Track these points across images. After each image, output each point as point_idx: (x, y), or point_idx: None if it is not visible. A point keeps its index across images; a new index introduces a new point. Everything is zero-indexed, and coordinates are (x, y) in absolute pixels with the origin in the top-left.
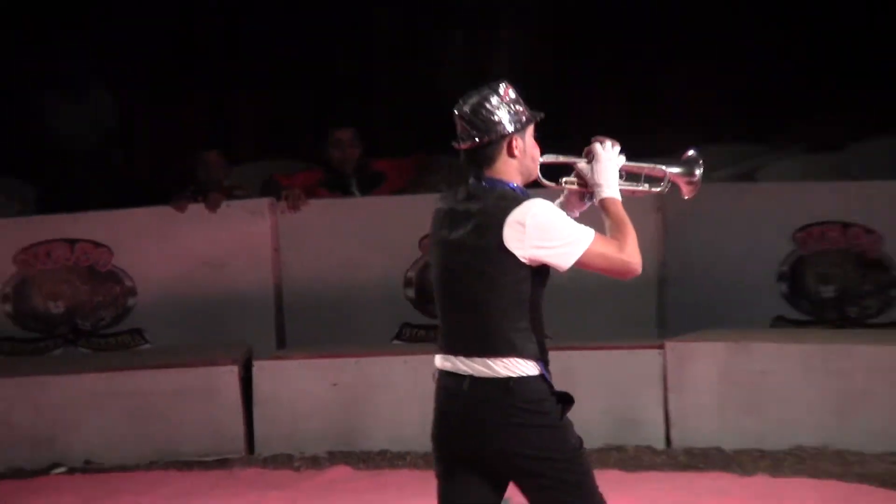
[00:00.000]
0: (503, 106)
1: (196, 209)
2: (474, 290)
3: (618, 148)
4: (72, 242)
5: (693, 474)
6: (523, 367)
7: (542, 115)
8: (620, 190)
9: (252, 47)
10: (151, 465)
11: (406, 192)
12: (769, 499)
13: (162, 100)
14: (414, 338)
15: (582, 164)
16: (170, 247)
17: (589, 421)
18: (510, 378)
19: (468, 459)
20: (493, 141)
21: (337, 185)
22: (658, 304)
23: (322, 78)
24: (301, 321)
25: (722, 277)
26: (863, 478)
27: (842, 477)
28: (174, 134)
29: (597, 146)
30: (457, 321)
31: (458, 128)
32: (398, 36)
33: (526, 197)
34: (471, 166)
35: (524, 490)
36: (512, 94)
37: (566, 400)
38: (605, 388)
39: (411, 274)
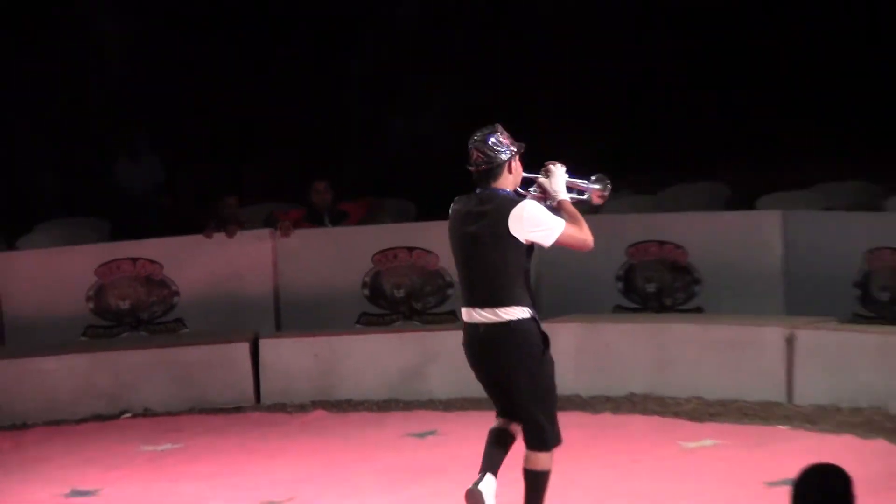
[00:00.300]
0: (503, 140)
1: (219, 237)
2: (491, 263)
3: (563, 168)
4: (134, 260)
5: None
6: (521, 313)
7: (524, 145)
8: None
9: (258, 123)
10: (189, 411)
11: (362, 223)
12: (612, 429)
13: (195, 161)
14: (369, 322)
15: (542, 178)
16: (202, 262)
17: None
18: (511, 321)
19: (490, 377)
20: (500, 164)
21: (315, 220)
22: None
23: (307, 146)
24: (292, 312)
25: (580, 277)
26: (677, 414)
27: (662, 414)
28: (204, 184)
29: (551, 166)
30: (478, 285)
31: (474, 156)
32: (361, 118)
33: (521, 199)
34: (481, 181)
35: (513, 395)
36: (504, 132)
37: (546, 338)
38: None
39: (367, 279)
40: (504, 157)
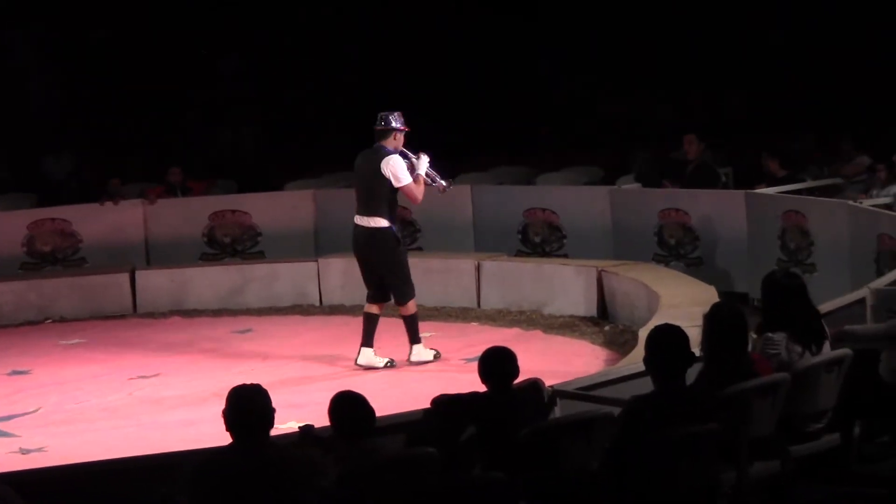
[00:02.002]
0: (394, 118)
1: (109, 205)
2: (370, 188)
3: (427, 159)
4: (53, 219)
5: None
6: (382, 223)
7: (407, 130)
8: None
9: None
10: (90, 318)
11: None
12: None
13: (95, 155)
14: (208, 259)
15: (414, 159)
16: (98, 221)
17: None
18: (376, 227)
19: (363, 262)
20: (391, 130)
21: (171, 193)
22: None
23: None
24: (157, 253)
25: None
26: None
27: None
28: (100, 172)
29: (422, 154)
30: (360, 201)
31: (378, 119)
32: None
33: (391, 153)
34: (377, 138)
35: (380, 272)
36: (397, 114)
37: (399, 239)
38: None
39: (205, 231)
40: (393, 125)
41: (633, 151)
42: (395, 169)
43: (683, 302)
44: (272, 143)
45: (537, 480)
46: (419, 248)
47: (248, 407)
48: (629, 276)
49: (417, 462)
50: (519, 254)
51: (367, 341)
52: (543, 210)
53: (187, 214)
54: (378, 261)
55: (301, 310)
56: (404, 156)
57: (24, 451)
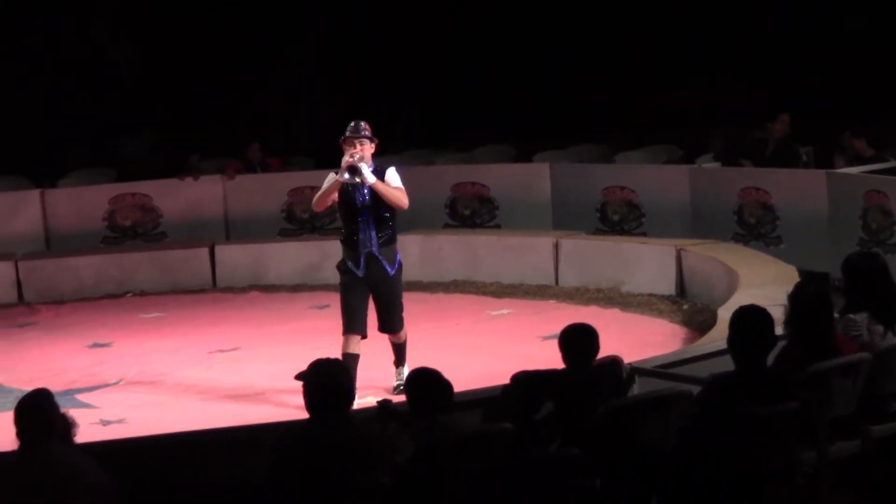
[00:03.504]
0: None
1: (188, 180)
2: None
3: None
4: (133, 194)
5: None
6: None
7: (348, 137)
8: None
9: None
10: (170, 292)
11: (281, 172)
12: (442, 303)
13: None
14: (286, 234)
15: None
16: (177, 196)
17: None
18: None
19: None
20: None
21: (250, 169)
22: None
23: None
24: (237, 227)
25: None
26: (484, 293)
27: (475, 293)
28: (179, 148)
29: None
30: None
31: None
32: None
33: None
34: None
35: None
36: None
37: (343, 261)
38: None
39: (284, 207)
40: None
41: (712, 130)
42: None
43: (763, 281)
44: (348, 121)
45: (614, 458)
46: (497, 226)
47: (329, 382)
48: (708, 254)
49: (494, 438)
50: (597, 232)
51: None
52: (622, 188)
53: (266, 190)
54: None
55: None
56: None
57: (104, 423)
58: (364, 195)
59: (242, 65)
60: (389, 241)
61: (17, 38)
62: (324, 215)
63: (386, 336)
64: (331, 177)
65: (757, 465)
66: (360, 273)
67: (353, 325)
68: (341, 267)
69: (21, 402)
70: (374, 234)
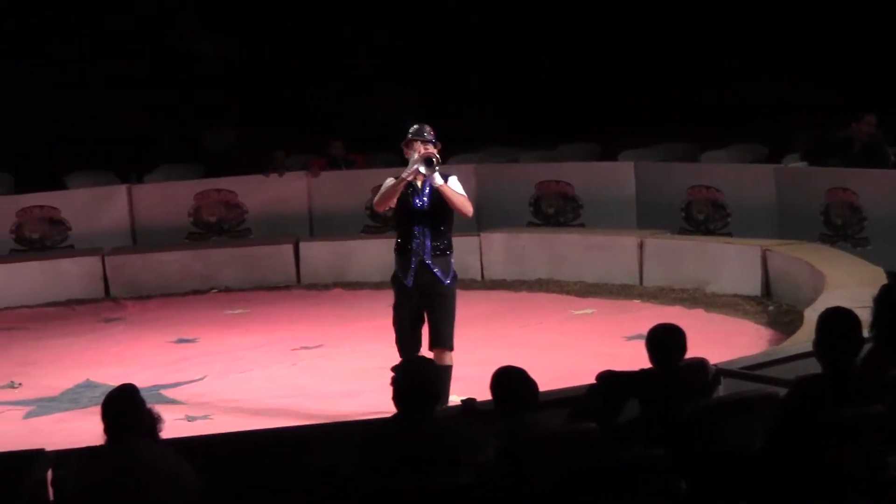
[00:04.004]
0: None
1: (273, 176)
2: None
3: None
4: (219, 190)
5: (491, 291)
6: None
7: (415, 139)
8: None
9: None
10: (254, 288)
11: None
12: (525, 301)
13: (258, 128)
14: (370, 231)
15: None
16: (262, 192)
17: None
18: None
19: None
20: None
21: (334, 166)
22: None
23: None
24: (320, 224)
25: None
26: (568, 292)
27: (558, 292)
28: (264, 144)
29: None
30: None
31: None
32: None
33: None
34: None
35: None
36: (412, 127)
37: (395, 271)
38: None
39: (368, 204)
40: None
41: (798, 130)
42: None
43: (849, 283)
44: (434, 117)
45: (699, 459)
46: (581, 225)
47: (418, 379)
48: (794, 255)
49: (579, 437)
50: (682, 231)
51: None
52: (707, 187)
53: (350, 187)
54: None
55: (462, 284)
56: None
57: (189, 419)
58: (423, 200)
59: (326, 61)
60: (445, 251)
61: (105, 33)
62: None
63: (460, 335)
64: (390, 180)
65: (843, 469)
66: (408, 282)
67: (405, 349)
68: (394, 280)
69: (109, 397)
70: (428, 242)
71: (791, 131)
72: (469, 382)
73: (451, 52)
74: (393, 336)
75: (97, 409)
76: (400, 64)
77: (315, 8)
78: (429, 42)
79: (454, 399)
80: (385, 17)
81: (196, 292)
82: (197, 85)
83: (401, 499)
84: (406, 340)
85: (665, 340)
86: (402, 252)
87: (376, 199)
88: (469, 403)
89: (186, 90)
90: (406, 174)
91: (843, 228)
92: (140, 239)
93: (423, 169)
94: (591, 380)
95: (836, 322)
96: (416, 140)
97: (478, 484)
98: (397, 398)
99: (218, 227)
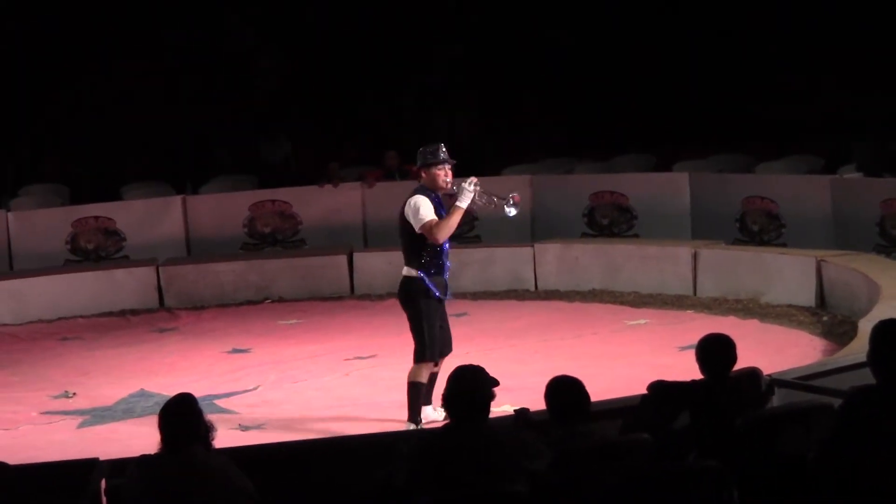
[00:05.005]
0: (422, 154)
1: (328, 187)
2: (402, 232)
3: (473, 182)
4: (273, 201)
5: (545, 301)
6: (412, 273)
7: (450, 162)
8: (481, 202)
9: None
10: (309, 298)
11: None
12: (579, 312)
13: (313, 140)
14: None
15: (456, 188)
16: (317, 203)
17: None
18: (406, 277)
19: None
20: (417, 167)
21: (389, 176)
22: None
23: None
24: (375, 234)
25: (562, 214)
26: (622, 303)
27: (612, 302)
28: (318, 155)
29: (463, 184)
30: (401, 245)
31: None
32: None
33: (415, 194)
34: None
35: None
36: (431, 149)
37: (429, 289)
38: None
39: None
40: (418, 164)
41: (854, 141)
42: (411, 210)
43: None
44: (489, 128)
45: (752, 470)
46: (635, 235)
47: (469, 389)
48: (849, 266)
49: (632, 448)
50: (736, 242)
51: (426, 399)
52: (762, 198)
53: (405, 198)
54: (406, 313)
55: (516, 294)
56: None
57: (243, 428)
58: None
59: (380, 72)
60: None
61: (162, 45)
62: (462, 222)
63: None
64: (428, 204)
65: None
66: (440, 296)
67: (435, 352)
68: (424, 293)
69: (167, 405)
70: (448, 260)
71: (849, 144)
72: (523, 392)
73: (507, 66)
74: None
75: (151, 419)
76: (459, 77)
77: (373, 20)
78: (489, 55)
79: (506, 409)
80: (446, 30)
81: (250, 303)
82: (254, 97)
83: None
84: (443, 346)
85: (715, 351)
86: (437, 269)
87: (441, 232)
88: (522, 413)
89: (243, 102)
90: (468, 199)
91: None
92: (195, 250)
93: (513, 212)
94: (644, 390)
95: (889, 334)
96: (447, 162)
97: (532, 493)
98: (449, 407)
99: (272, 238)
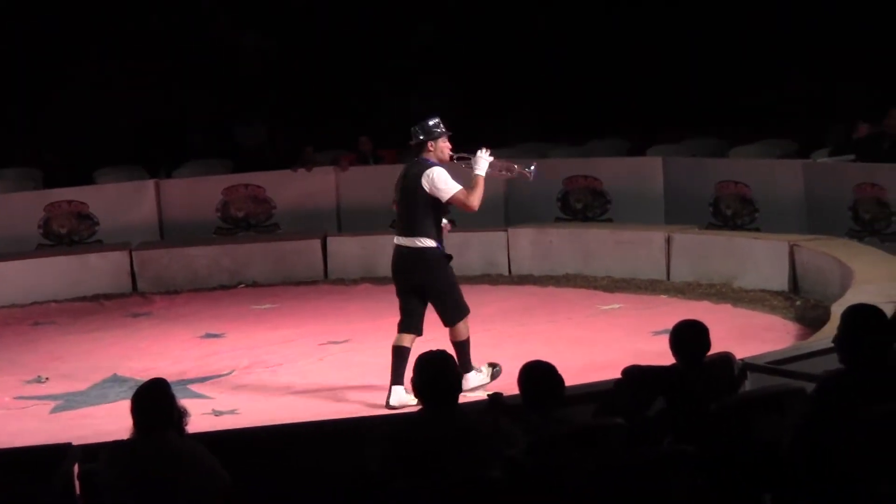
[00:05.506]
0: (426, 128)
1: (302, 172)
2: (413, 205)
3: (487, 153)
4: (246, 185)
5: (518, 286)
6: (429, 243)
7: (449, 132)
8: (497, 170)
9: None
10: (282, 283)
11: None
12: (553, 296)
13: (287, 124)
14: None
15: (473, 159)
16: (291, 187)
17: None
18: (423, 247)
19: (404, 285)
20: (419, 143)
21: (362, 161)
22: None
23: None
24: (348, 219)
25: (533, 198)
26: (595, 287)
27: (586, 287)
28: (292, 139)
29: (479, 151)
30: (402, 220)
31: (412, 134)
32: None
33: (432, 165)
34: (413, 153)
35: (430, 298)
36: (433, 122)
37: (449, 257)
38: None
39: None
40: (421, 138)
41: (827, 126)
42: (436, 182)
43: (878, 278)
44: (463, 113)
45: (726, 455)
46: (609, 220)
47: (438, 374)
48: (822, 250)
49: (606, 433)
50: (710, 226)
51: (398, 378)
52: (735, 183)
53: (379, 182)
54: (426, 284)
55: (490, 279)
56: (461, 158)
57: (216, 413)
58: None
59: (354, 56)
60: None
61: (137, 28)
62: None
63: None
64: (449, 175)
65: (872, 464)
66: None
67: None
68: (446, 259)
69: (140, 390)
70: None
71: (823, 128)
72: (498, 377)
73: (482, 50)
74: None
75: (124, 404)
76: (434, 62)
77: (349, 5)
78: (462, 40)
79: (479, 394)
80: (422, 14)
81: (224, 287)
82: (229, 79)
83: (429, 494)
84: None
85: (688, 337)
86: (441, 234)
87: (476, 200)
88: (496, 398)
89: (218, 86)
90: (484, 168)
91: (872, 223)
92: (168, 234)
93: (534, 175)
94: (618, 375)
95: (861, 318)
96: (446, 135)
97: (507, 478)
98: (419, 393)
99: (246, 223)
